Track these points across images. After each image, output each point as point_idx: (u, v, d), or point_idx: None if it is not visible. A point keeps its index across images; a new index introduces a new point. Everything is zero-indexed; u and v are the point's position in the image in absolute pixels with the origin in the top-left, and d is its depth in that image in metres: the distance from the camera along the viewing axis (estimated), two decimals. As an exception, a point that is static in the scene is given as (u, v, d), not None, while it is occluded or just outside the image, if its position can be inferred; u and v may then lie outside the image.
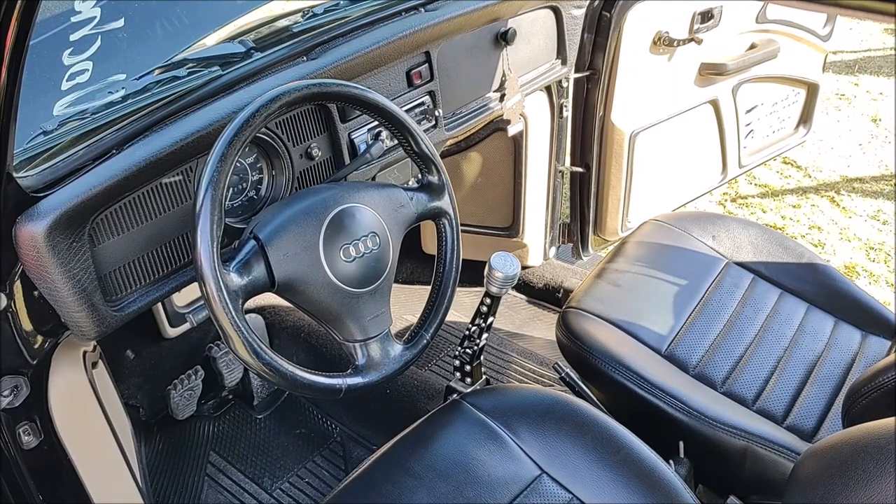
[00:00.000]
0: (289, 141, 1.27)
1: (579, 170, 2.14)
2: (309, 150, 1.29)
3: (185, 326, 1.82)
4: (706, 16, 1.98)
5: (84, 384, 1.28)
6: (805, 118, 2.47)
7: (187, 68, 1.22)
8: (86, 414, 1.30)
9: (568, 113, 2.04)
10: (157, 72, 1.20)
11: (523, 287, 2.32)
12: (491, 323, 1.47)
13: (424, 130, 1.51)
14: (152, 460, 1.82)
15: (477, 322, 1.46)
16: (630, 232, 1.83)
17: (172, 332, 1.81)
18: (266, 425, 1.92)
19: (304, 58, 1.32)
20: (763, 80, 2.24)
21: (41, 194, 1.00)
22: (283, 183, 1.28)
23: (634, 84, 2.00)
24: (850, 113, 3.65)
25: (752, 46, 2.15)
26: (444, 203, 1.21)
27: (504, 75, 1.69)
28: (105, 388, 1.42)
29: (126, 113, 1.12)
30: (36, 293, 1.03)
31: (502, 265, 1.37)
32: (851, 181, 3.17)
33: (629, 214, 2.19)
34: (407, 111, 1.46)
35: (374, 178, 1.46)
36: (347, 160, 1.36)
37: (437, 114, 1.54)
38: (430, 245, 2.40)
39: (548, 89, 1.96)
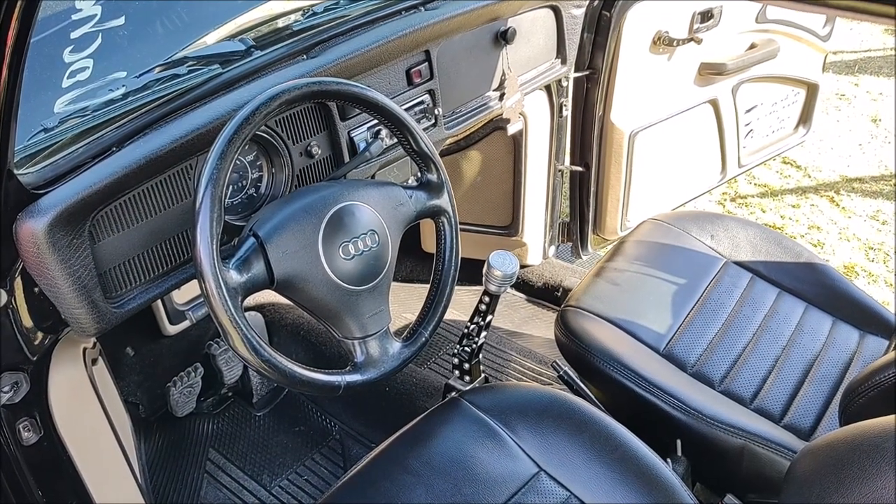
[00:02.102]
0: (288, 139, 1.27)
1: (579, 169, 2.14)
2: (308, 148, 1.30)
3: (185, 324, 1.83)
4: (706, 15, 1.98)
5: (84, 381, 1.28)
6: (805, 118, 2.48)
7: (187, 66, 1.22)
8: (86, 410, 1.30)
9: (567, 112, 2.04)
10: (157, 69, 1.21)
11: (522, 286, 2.32)
12: (490, 321, 1.48)
13: (424, 129, 1.52)
14: (152, 457, 1.83)
15: (476, 320, 1.47)
16: (629, 231, 1.84)
17: (172, 329, 1.82)
18: (265, 423, 1.93)
19: (304, 56, 1.32)
20: (763, 79, 2.25)
21: (42, 191, 1.00)
22: (283, 181, 1.28)
23: (634, 83, 2.00)
24: (850, 113, 3.66)
25: (752, 46, 2.15)
26: (444, 201, 1.22)
27: (504, 74, 1.69)
28: (105, 385, 1.43)
29: (126, 110, 1.12)
30: (36, 290, 1.03)
31: (501, 263, 1.37)
32: (851, 181, 3.17)
33: (628, 214, 2.20)
34: (406, 110, 1.47)
35: (373, 177, 1.47)
36: (347, 158, 1.36)
37: (436, 112, 1.55)
38: (428, 244, 2.41)
39: (547, 88, 1.96)
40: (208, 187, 0.95)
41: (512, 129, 1.87)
